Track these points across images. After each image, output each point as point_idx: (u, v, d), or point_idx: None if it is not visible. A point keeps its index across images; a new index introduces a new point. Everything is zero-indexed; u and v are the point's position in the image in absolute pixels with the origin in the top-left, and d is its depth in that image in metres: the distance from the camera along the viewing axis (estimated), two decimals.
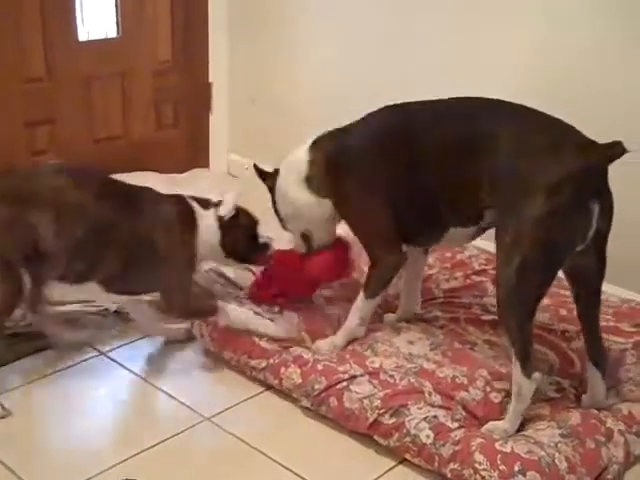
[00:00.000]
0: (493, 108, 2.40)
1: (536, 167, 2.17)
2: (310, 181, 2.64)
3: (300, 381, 2.52)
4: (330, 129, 2.66)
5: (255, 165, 2.81)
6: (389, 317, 2.86)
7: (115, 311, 2.95)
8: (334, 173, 2.61)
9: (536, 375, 2.26)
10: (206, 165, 4.17)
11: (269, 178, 2.76)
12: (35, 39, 3.51)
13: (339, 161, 2.59)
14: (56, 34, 3.57)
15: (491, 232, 2.38)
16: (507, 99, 2.41)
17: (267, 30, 3.91)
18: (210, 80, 4.11)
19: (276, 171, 2.73)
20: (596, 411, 2.36)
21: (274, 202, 2.77)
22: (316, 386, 2.49)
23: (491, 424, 2.31)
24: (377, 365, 2.53)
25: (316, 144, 2.65)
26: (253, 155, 3.77)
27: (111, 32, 3.79)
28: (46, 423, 2.47)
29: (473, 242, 2.79)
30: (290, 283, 2.82)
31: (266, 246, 2.75)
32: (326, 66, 3.68)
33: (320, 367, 2.53)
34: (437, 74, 3.31)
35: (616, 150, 2.13)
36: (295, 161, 2.67)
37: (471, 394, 2.43)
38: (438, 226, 2.55)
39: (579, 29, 3.00)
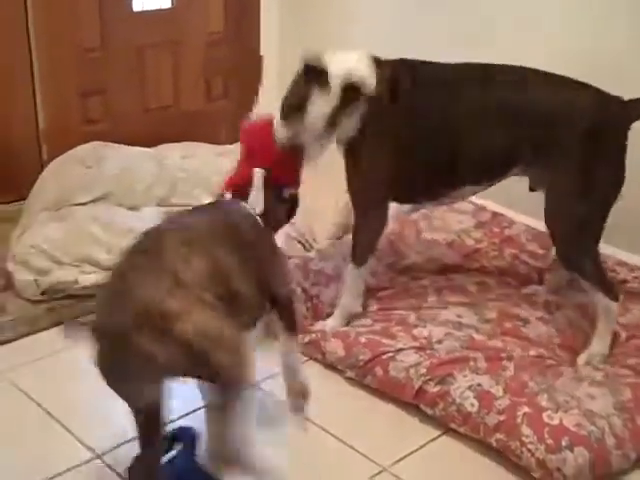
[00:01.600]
0: (531, 76, 2.49)
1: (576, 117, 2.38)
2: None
3: (344, 354, 2.54)
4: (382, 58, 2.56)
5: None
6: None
7: None
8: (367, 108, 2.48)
9: (621, 297, 2.50)
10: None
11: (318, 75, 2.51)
12: (91, 9, 3.53)
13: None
14: (111, 4, 3.59)
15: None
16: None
17: (318, 2, 3.90)
18: (261, 52, 4.11)
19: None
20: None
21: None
22: (361, 357, 2.50)
23: (586, 354, 2.46)
24: (426, 334, 2.54)
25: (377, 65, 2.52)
26: None
27: (165, 3, 3.80)
28: (96, 382, 2.48)
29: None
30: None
31: (295, 199, 2.45)
32: (378, 36, 3.65)
33: (363, 340, 2.55)
34: (483, 42, 3.29)
35: None
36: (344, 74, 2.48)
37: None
38: (454, 183, 2.58)
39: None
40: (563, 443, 2.10)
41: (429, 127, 2.49)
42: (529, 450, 2.13)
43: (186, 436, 2.18)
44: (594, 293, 2.48)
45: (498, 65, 2.53)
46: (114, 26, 3.62)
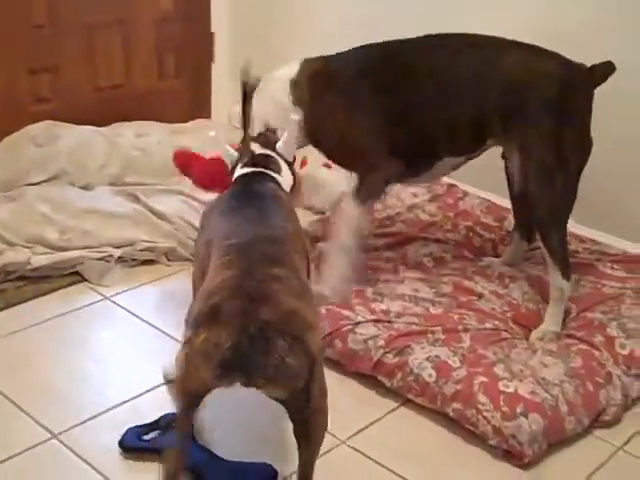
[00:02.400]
0: (498, 44, 2.53)
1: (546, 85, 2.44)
2: (294, 86, 2.59)
3: None
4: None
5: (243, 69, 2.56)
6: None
7: (119, 256, 2.96)
8: (319, 86, 2.58)
9: (573, 277, 2.54)
10: (208, 116, 4.15)
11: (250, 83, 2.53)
12: None
13: (328, 75, 2.58)
14: None
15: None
16: None
17: None
18: (212, 30, 4.08)
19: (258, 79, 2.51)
20: (597, 353, 2.39)
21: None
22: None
23: (538, 331, 2.51)
24: (384, 308, 2.56)
25: (307, 60, 2.63)
26: None
27: None
28: (50, 363, 2.49)
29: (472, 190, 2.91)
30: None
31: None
32: (332, 15, 3.64)
33: (323, 311, 2.54)
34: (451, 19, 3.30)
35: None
36: (284, 70, 2.63)
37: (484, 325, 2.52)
38: (431, 156, 2.59)
39: None
40: (518, 410, 2.14)
41: (395, 102, 2.51)
42: (485, 418, 2.16)
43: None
44: (552, 270, 2.52)
45: (464, 34, 2.56)
46: (63, 2, 3.55)
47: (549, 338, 2.50)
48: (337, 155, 2.66)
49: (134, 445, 2.13)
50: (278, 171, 2.26)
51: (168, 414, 2.17)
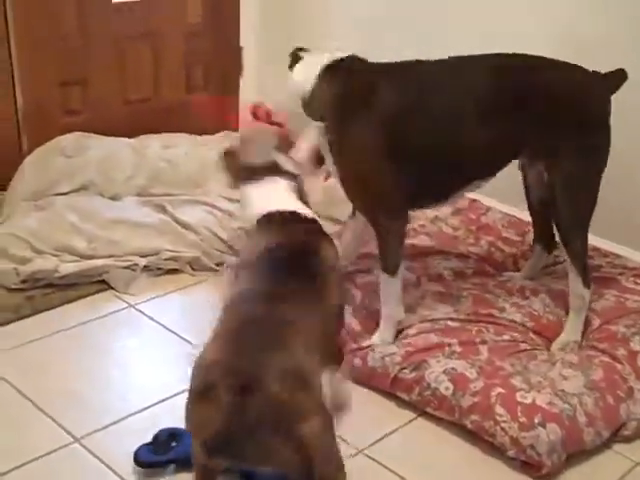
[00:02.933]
0: (521, 60, 2.50)
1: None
2: (307, 106, 2.47)
3: None
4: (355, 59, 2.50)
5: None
6: None
7: (145, 265, 3.01)
8: (344, 114, 2.41)
9: (592, 286, 2.56)
10: (235, 128, 4.19)
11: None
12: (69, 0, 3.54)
13: (353, 104, 2.41)
14: None
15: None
16: None
17: None
18: (241, 44, 4.13)
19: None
20: (619, 367, 2.39)
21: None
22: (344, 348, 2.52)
23: (558, 342, 2.52)
24: (402, 335, 2.57)
25: (331, 70, 2.45)
26: None
27: None
28: (74, 369, 2.53)
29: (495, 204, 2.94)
30: None
31: None
32: (359, 29, 3.68)
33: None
34: (462, 41, 3.32)
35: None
36: (300, 80, 2.48)
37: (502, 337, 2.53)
38: (462, 182, 2.55)
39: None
40: (536, 420, 2.14)
41: (425, 128, 2.42)
42: (503, 429, 2.16)
43: (180, 430, 2.17)
44: (574, 277, 2.52)
45: (495, 54, 2.51)
46: (93, 16, 3.61)
47: (570, 347, 2.51)
48: (351, 193, 2.53)
49: (150, 460, 2.14)
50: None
51: (162, 430, 2.19)
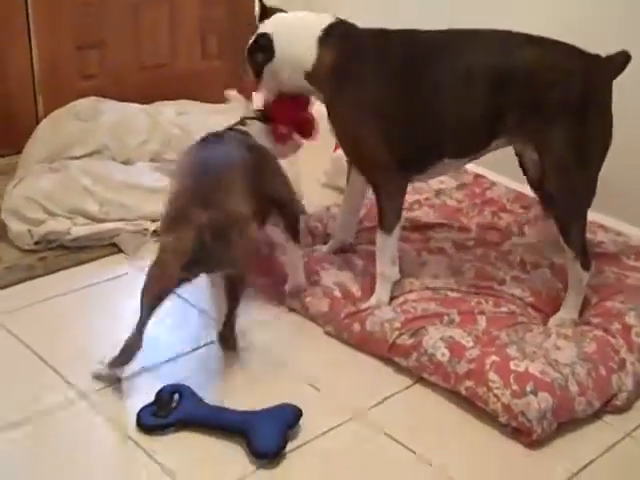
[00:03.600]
0: (513, 38, 2.50)
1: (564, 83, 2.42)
2: (308, 78, 2.55)
3: (327, 310, 2.63)
4: (346, 24, 2.58)
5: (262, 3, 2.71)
6: (321, 249, 2.91)
7: (154, 230, 3.07)
8: (339, 80, 2.52)
9: (592, 267, 2.56)
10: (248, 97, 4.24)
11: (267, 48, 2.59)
12: None
13: (348, 70, 2.51)
14: None
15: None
16: None
17: None
18: (255, 13, 4.15)
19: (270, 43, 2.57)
20: (612, 340, 2.44)
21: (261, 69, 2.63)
22: (343, 311, 2.59)
23: (556, 318, 2.55)
24: (402, 300, 2.63)
25: (329, 38, 2.53)
26: None
27: None
28: (84, 328, 2.61)
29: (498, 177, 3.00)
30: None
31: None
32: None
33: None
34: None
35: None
36: (300, 50, 2.54)
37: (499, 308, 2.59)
38: (432, 157, 2.56)
39: None
40: (527, 388, 2.20)
41: (404, 97, 2.47)
42: (495, 395, 2.22)
43: (183, 388, 2.28)
44: (572, 261, 2.54)
45: (481, 30, 2.53)
46: None
47: (566, 325, 2.55)
48: (351, 157, 2.66)
49: (153, 424, 2.20)
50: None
51: (165, 387, 2.27)
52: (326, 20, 2.57)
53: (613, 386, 2.33)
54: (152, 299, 2.28)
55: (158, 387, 2.30)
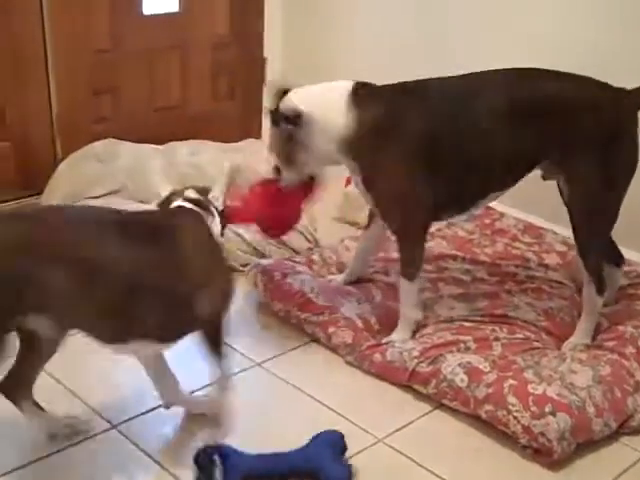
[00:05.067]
0: (534, 74, 2.58)
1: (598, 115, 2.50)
2: (343, 144, 2.53)
3: (350, 341, 2.69)
4: (367, 84, 2.57)
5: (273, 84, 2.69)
6: (336, 279, 2.97)
7: None
8: (381, 138, 2.52)
9: (605, 293, 2.63)
10: (258, 136, 4.34)
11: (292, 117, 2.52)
12: (103, 12, 3.71)
13: (390, 126, 2.51)
14: (122, 8, 3.76)
15: None
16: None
17: (321, 6, 4.07)
18: (265, 55, 4.28)
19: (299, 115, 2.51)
20: (627, 363, 2.51)
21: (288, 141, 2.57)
22: (365, 343, 2.66)
23: (569, 343, 2.61)
24: (420, 333, 2.70)
25: (359, 99, 2.52)
26: None
27: (173, 7, 3.97)
28: (110, 359, 2.65)
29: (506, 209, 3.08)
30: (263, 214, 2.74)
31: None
32: (381, 41, 3.81)
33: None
34: (480, 46, 3.45)
35: None
36: (331, 118, 2.51)
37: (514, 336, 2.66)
38: (481, 193, 2.66)
39: None
40: (546, 409, 2.26)
41: (451, 144, 2.52)
42: (515, 418, 2.28)
43: (219, 447, 2.20)
44: (588, 285, 2.62)
45: (514, 68, 2.59)
46: (125, 29, 3.78)
47: (579, 350, 2.60)
48: (391, 213, 2.63)
49: None
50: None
51: (199, 453, 2.16)
52: (347, 84, 2.55)
53: (629, 407, 2.39)
54: None
55: (184, 416, 2.36)
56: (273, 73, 4.30)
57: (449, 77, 2.61)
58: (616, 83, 2.56)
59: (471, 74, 2.61)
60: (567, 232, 3.21)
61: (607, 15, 3.14)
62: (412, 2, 3.73)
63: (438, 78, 2.61)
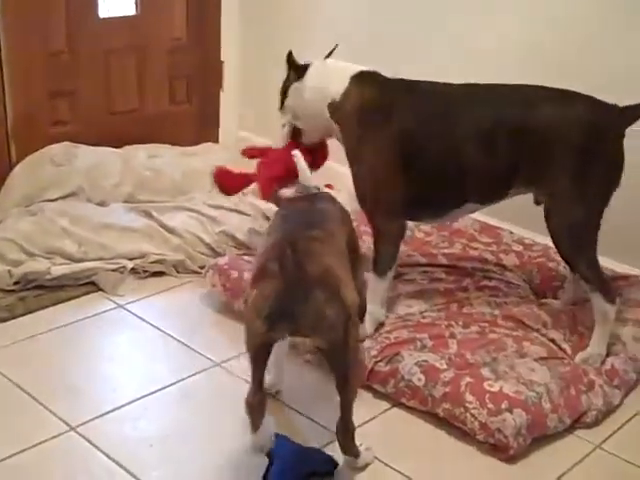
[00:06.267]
0: (525, 92, 2.60)
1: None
2: (333, 106, 2.65)
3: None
4: (382, 73, 2.70)
5: (290, 53, 2.77)
6: None
7: (132, 268, 3.14)
8: (366, 118, 2.62)
9: (617, 300, 2.58)
10: (216, 140, 4.35)
11: (299, 69, 2.73)
12: (58, 15, 3.68)
13: (377, 110, 2.62)
14: (78, 10, 3.74)
15: None
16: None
17: (278, 9, 4.09)
18: (222, 58, 4.29)
19: (306, 67, 2.73)
20: (582, 365, 2.56)
21: (288, 87, 2.75)
22: None
23: (584, 353, 2.58)
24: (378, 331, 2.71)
25: (361, 78, 2.66)
26: (262, 132, 3.97)
27: (129, 9, 3.95)
28: (68, 363, 2.66)
29: None
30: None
31: None
32: (339, 41, 3.81)
33: None
34: (444, 56, 3.49)
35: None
36: (331, 81, 2.67)
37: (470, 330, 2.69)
38: (457, 201, 2.68)
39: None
40: (503, 406, 2.29)
41: (427, 147, 2.58)
42: (472, 415, 2.31)
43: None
44: (592, 294, 2.57)
45: (496, 84, 2.63)
46: (81, 31, 3.76)
47: (593, 360, 2.58)
48: (360, 193, 2.69)
49: None
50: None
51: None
52: (361, 67, 2.71)
53: (583, 404, 2.44)
54: (252, 358, 2.10)
55: (143, 418, 2.38)
56: (230, 77, 4.31)
57: (452, 84, 2.67)
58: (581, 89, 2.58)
59: (471, 84, 2.65)
60: (524, 232, 3.33)
61: (568, 19, 3.18)
62: (365, 5, 3.77)
63: (443, 83, 2.67)
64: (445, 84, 2.67)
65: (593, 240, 2.56)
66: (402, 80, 2.69)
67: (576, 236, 2.54)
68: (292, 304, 1.94)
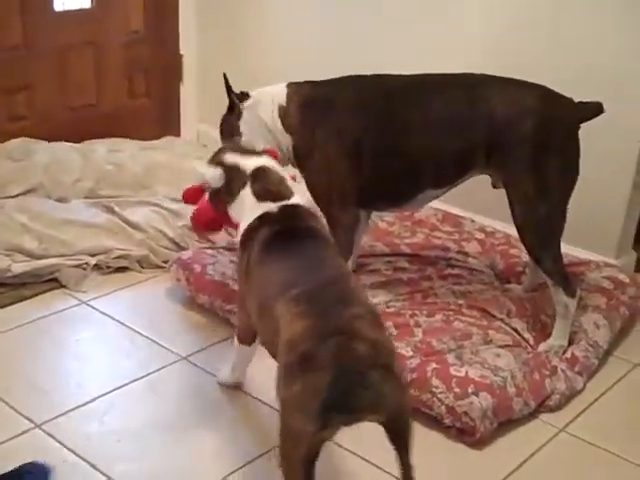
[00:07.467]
0: (479, 79, 2.63)
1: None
2: (283, 112, 2.69)
3: None
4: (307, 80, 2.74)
5: (225, 76, 2.75)
6: None
7: (95, 264, 3.12)
8: (308, 116, 2.66)
9: (578, 292, 2.61)
10: (177, 134, 4.32)
11: (238, 97, 2.75)
12: (13, 9, 3.63)
13: (317, 104, 2.67)
14: (33, 4, 3.69)
15: None
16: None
17: (236, 3, 4.07)
18: (181, 51, 4.26)
19: (245, 94, 2.76)
20: (545, 353, 2.60)
21: (231, 118, 2.76)
22: None
23: (546, 344, 2.61)
24: None
25: (294, 85, 2.72)
26: None
27: (85, 3, 3.91)
28: (32, 361, 2.63)
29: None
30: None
31: None
32: (295, 39, 3.83)
33: None
34: (407, 53, 3.49)
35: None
36: (273, 92, 2.72)
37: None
38: (414, 187, 2.69)
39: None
40: (469, 390, 2.32)
41: (372, 137, 2.60)
42: (439, 399, 2.34)
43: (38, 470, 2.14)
44: (553, 288, 2.59)
45: (448, 73, 2.65)
46: (36, 25, 3.71)
47: (555, 351, 2.61)
48: (313, 187, 2.71)
49: None
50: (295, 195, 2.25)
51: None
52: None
53: (547, 388, 2.47)
54: (298, 472, 1.80)
55: (109, 413, 2.38)
56: (190, 70, 4.28)
57: (394, 74, 2.68)
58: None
59: (420, 74, 2.67)
60: (484, 220, 3.36)
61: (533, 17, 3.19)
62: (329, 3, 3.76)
63: (393, 75, 2.69)
64: (395, 75, 2.68)
65: (557, 236, 2.58)
66: (339, 78, 2.71)
67: (541, 233, 2.57)
68: (348, 393, 1.71)
